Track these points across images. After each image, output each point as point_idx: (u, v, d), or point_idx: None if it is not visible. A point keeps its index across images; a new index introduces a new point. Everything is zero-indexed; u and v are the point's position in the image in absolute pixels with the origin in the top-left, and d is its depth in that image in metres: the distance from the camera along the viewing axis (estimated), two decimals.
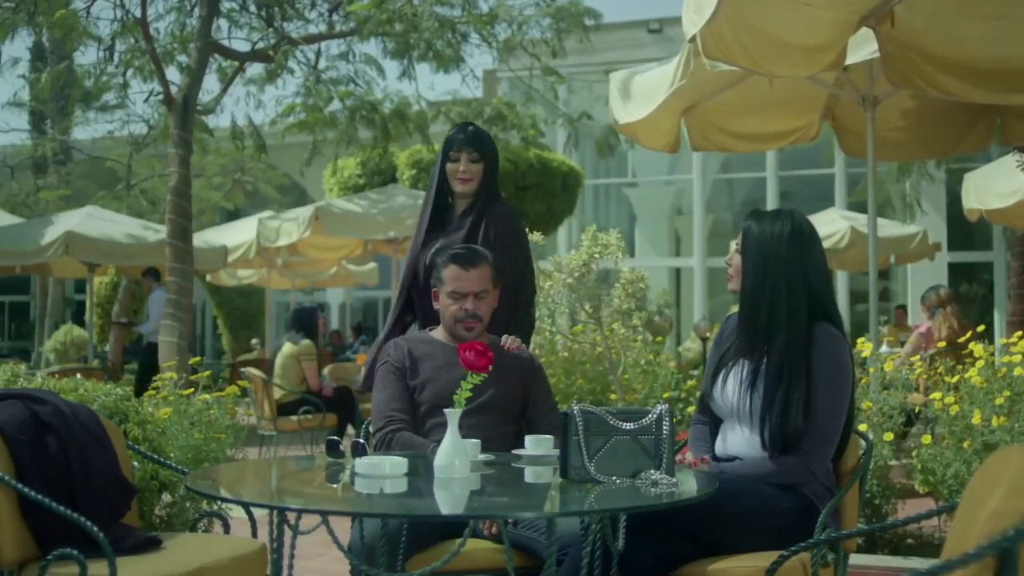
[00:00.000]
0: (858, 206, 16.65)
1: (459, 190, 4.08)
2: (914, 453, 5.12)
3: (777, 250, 3.05)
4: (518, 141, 13.99)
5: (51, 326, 19.78)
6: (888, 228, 13.68)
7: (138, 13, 11.39)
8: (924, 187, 16.33)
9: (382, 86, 13.19)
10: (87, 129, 21.88)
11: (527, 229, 6.15)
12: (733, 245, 3.21)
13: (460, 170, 4.04)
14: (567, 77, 13.47)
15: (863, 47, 5.24)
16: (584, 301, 6.15)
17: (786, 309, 3.03)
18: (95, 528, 2.74)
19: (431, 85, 37.70)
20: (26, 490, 2.81)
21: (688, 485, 2.71)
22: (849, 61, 5.22)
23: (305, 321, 9.64)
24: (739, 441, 3.13)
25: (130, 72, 12.61)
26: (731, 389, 3.13)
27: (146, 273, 13.20)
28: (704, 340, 14.95)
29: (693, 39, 4.52)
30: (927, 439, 5.06)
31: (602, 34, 13.44)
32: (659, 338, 12.24)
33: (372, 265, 17.37)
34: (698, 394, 3.42)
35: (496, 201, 4.14)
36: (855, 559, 4.13)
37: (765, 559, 2.78)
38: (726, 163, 23.08)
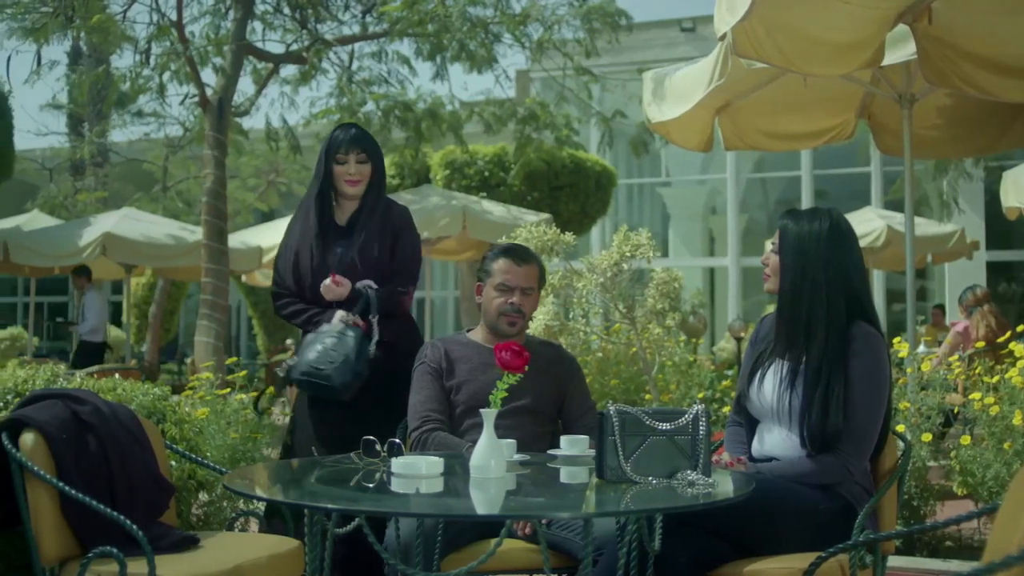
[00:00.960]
0: (894, 204, 16.50)
1: (349, 192, 3.93)
2: (953, 454, 5.06)
3: (816, 249, 3.04)
4: (551, 141, 13.98)
5: None
6: (925, 227, 13.55)
7: (174, 16, 11.51)
8: (961, 185, 16.18)
9: (415, 86, 13.24)
10: (124, 131, 22.10)
11: (566, 228, 6.19)
12: (769, 245, 3.19)
13: (349, 172, 3.89)
14: (600, 76, 13.44)
15: (902, 47, 5.19)
16: (618, 301, 6.13)
17: (825, 308, 3.02)
18: (134, 527, 2.76)
19: (464, 85, 37.92)
20: (67, 489, 2.84)
21: (725, 486, 2.69)
22: (887, 62, 5.17)
23: None
24: (776, 442, 3.11)
25: (166, 75, 12.73)
26: (768, 389, 3.12)
27: (78, 272, 12.87)
28: (738, 340, 14.89)
29: (724, 37, 4.50)
30: (966, 440, 5.00)
31: (635, 33, 13.42)
32: (696, 340, 12.20)
33: None
34: (733, 395, 3.40)
35: (381, 203, 4.00)
36: (893, 561, 4.09)
37: (802, 560, 2.76)
38: (760, 162, 22.96)
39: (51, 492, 2.86)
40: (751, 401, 3.18)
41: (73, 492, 2.83)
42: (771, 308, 3.27)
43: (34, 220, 14.71)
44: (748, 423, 3.24)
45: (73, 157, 21.22)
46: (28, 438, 2.91)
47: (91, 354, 12.30)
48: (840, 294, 3.03)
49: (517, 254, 3.62)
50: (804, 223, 3.07)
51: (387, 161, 15.90)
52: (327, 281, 3.83)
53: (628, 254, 6.02)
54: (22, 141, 13.85)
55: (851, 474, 2.99)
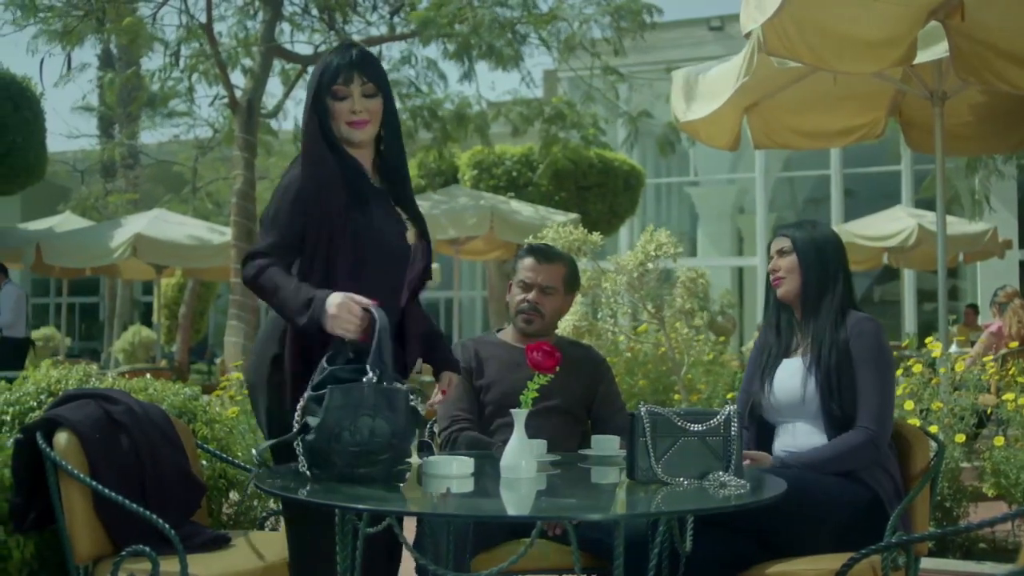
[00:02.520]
0: (925, 203, 16.38)
1: (356, 138, 2.87)
2: (986, 455, 5.01)
3: (828, 250, 3.29)
4: (578, 140, 13.97)
5: (120, 327, 20.18)
6: (956, 225, 13.42)
7: (203, 19, 11.59)
8: (993, 183, 16.01)
9: (443, 87, 13.27)
10: (154, 133, 22.33)
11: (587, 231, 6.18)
12: (772, 253, 3.34)
13: (353, 110, 2.84)
14: (627, 76, 13.42)
15: (934, 46, 5.15)
16: (646, 301, 6.11)
17: (840, 299, 3.23)
18: (167, 525, 2.78)
19: (492, 85, 37.88)
20: (100, 488, 2.86)
21: (756, 487, 2.68)
22: (920, 60, 5.12)
23: None
24: (793, 438, 3.16)
25: (195, 76, 12.83)
26: (783, 386, 3.20)
27: None
28: None
29: (749, 35, 4.48)
30: (1000, 441, 4.95)
31: (662, 32, 13.40)
32: (722, 338, 12.13)
33: (434, 266, 17.45)
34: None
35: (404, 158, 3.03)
36: (926, 563, 4.04)
37: (834, 561, 2.74)
38: (789, 161, 22.83)
39: (84, 491, 2.88)
40: (763, 406, 3.26)
41: (106, 491, 2.85)
42: None
43: (66, 222, 14.86)
44: (759, 430, 3.28)
45: (103, 159, 21.42)
46: (61, 437, 2.93)
47: (12, 353, 11.22)
48: (844, 287, 3.27)
49: (541, 252, 3.65)
50: (810, 230, 3.34)
51: (413, 162, 16.03)
52: (436, 396, 3.03)
53: (653, 253, 6.00)
54: (54, 144, 13.99)
55: (877, 448, 3.03)
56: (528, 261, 3.62)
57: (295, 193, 2.79)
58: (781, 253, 3.31)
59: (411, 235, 2.95)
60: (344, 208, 2.79)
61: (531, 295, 3.58)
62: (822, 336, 3.18)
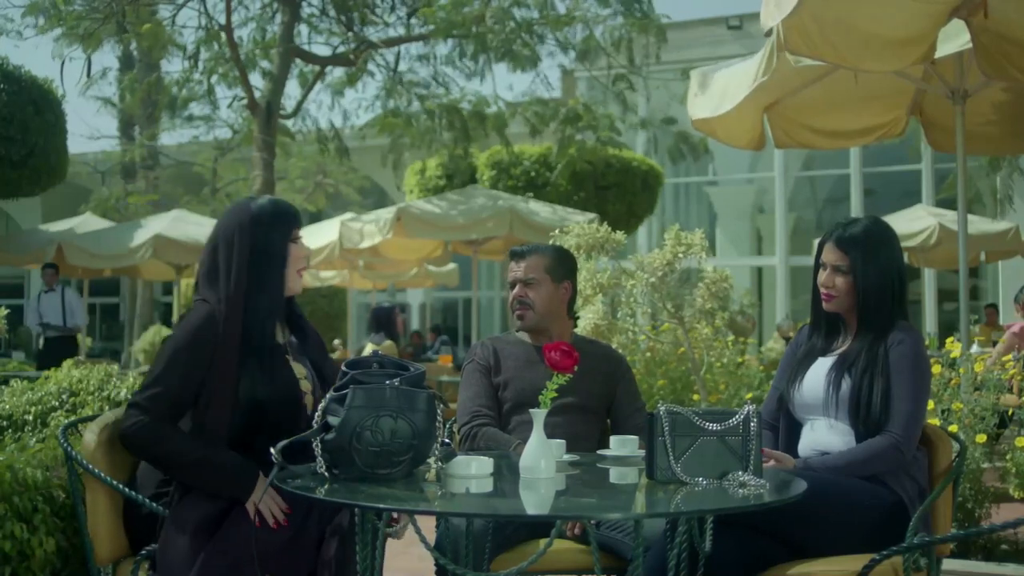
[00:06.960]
0: (946, 202, 16.28)
1: (299, 288, 2.98)
2: (1008, 456, 4.97)
3: (889, 274, 3.15)
4: (594, 141, 13.96)
5: (140, 327, 20.26)
6: (978, 224, 13.34)
7: (222, 20, 11.65)
8: (1016, 181, 15.92)
9: (460, 86, 13.30)
10: (173, 135, 22.44)
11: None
12: (826, 262, 3.21)
13: (308, 256, 3.01)
14: (645, 75, 13.40)
15: (953, 39, 5.11)
16: (666, 300, 6.10)
17: (892, 315, 3.14)
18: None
19: (510, 87, 37.97)
20: (124, 489, 2.86)
21: (776, 487, 2.67)
22: (938, 54, 5.09)
23: (383, 321, 9.78)
24: (818, 438, 3.14)
25: (214, 78, 12.89)
26: (813, 383, 3.16)
27: None
28: (787, 340, 14.75)
29: (771, 32, 4.46)
30: (1021, 442, 4.91)
31: (680, 31, 13.38)
32: (748, 340, 12.09)
33: (452, 266, 17.48)
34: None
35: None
36: (947, 564, 4.03)
37: (855, 562, 2.73)
38: (808, 160, 22.75)
39: (108, 493, 2.87)
40: (792, 401, 3.23)
41: (131, 493, 2.85)
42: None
43: (87, 223, 14.93)
44: (787, 426, 3.25)
45: (124, 159, 21.54)
46: (89, 438, 2.92)
47: (66, 349, 11.15)
48: (898, 304, 3.17)
49: (516, 252, 3.72)
50: (871, 245, 3.16)
51: (433, 162, 16.05)
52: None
53: (681, 254, 5.99)
54: (75, 145, 14.06)
55: (902, 454, 3.00)
56: (510, 264, 3.71)
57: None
58: (836, 270, 3.18)
59: (305, 385, 2.94)
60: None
61: (516, 290, 3.66)
62: (864, 342, 3.13)
